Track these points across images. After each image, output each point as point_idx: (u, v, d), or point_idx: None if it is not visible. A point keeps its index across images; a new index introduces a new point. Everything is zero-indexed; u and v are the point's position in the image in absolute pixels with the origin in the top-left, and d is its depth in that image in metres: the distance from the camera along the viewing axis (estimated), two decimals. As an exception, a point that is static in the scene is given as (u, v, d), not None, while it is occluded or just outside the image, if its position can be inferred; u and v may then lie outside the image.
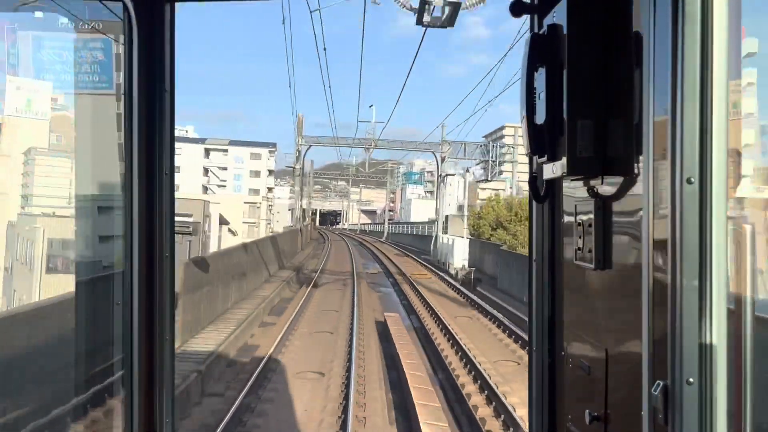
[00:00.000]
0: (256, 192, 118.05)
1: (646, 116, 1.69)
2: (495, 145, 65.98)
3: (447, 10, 17.27)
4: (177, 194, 3.08)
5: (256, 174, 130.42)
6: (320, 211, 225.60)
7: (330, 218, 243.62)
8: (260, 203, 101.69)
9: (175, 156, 2.87)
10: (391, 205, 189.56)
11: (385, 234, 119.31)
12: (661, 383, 1.59)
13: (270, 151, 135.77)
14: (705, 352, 1.54)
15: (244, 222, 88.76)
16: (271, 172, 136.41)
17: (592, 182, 2.22)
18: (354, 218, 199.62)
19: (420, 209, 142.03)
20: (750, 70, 2.01)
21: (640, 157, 1.83)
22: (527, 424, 2.85)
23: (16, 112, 41.47)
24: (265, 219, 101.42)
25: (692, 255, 1.55)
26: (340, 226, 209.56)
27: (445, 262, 45.41)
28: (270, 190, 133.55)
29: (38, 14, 4.01)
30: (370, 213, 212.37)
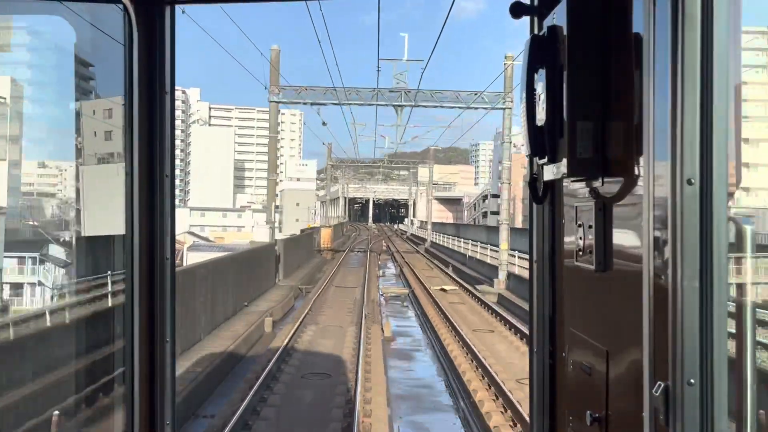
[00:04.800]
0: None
1: (647, 117, 1.69)
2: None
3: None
4: None
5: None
6: (373, 201, 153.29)
7: (391, 212, 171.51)
8: None
9: None
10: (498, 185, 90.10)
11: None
12: (662, 384, 1.58)
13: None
14: (706, 353, 1.54)
15: None
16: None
17: (593, 183, 2.22)
18: (432, 211, 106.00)
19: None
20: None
21: (641, 159, 1.83)
22: (528, 425, 2.85)
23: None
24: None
25: (693, 256, 1.55)
26: (405, 226, 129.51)
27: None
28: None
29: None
30: (451, 202, 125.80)
